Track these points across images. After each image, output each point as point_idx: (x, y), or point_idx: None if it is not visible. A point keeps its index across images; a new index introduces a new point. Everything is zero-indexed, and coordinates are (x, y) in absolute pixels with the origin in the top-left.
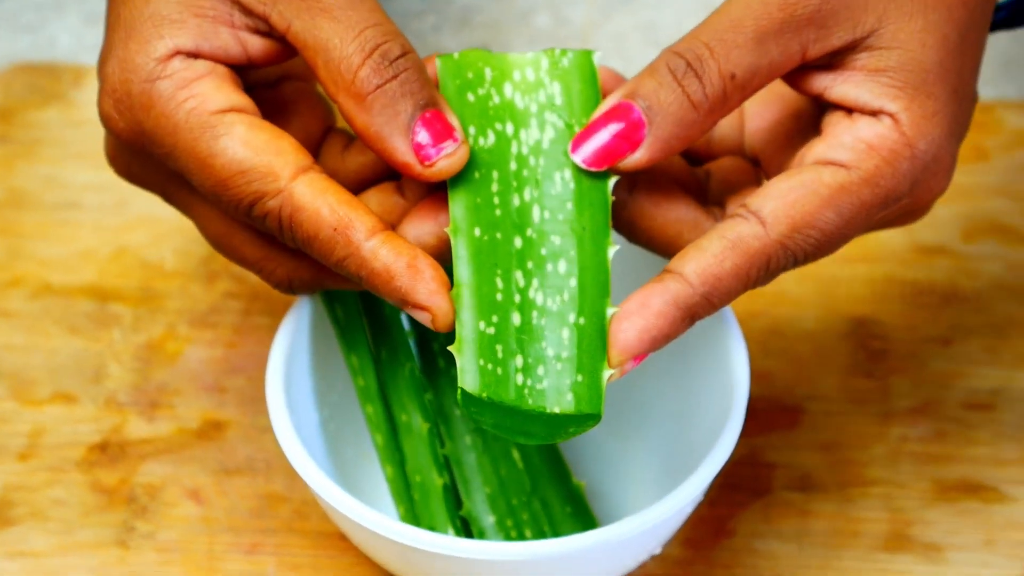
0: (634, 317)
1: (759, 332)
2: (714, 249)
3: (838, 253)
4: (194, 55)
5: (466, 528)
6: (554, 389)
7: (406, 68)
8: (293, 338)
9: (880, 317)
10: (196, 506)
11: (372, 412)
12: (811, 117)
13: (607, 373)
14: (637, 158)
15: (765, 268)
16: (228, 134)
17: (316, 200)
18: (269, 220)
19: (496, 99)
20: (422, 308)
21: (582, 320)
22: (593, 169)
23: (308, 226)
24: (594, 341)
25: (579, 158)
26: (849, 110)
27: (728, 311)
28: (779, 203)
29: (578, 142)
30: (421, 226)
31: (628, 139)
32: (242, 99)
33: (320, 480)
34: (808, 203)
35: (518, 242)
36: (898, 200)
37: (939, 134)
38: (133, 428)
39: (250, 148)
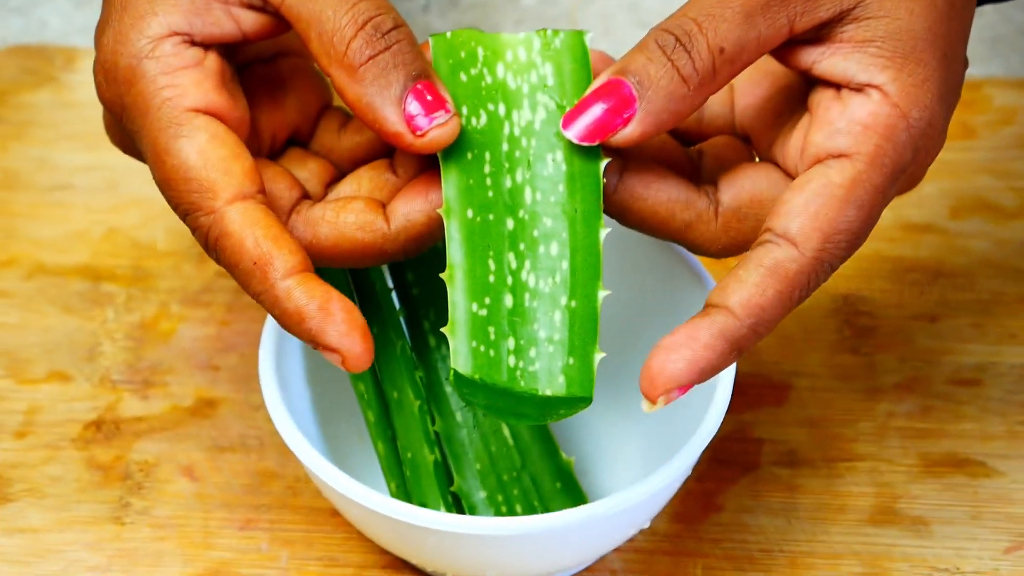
0: (683, 349)
1: None
2: (753, 279)
3: None
4: (187, 38)
5: (457, 504)
6: (546, 371)
7: (398, 40)
8: None
9: (867, 294)
10: (190, 483)
11: (363, 389)
12: (800, 93)
13: (598, 358)
14: (628, 133)
15: (806, 287)
16: (188, 137)
17: (244, 230)
18: (197, 234)
19: (488, 79)
20: (332, 349)
21: (574, 303)
22: (585, 144)
23: (230, 253)
24: (585, 324)
25: (571, 134)
26: (837, 86)
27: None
28: (804, 219)
29: (570, 118)
30: (411, 204)
31: (619, 114)
32: (220, 99)
33: (313, 457)
34: (830, 210)
35: (510, 224)
36: (904, 171)
37: (931, 100)
38: (127, 406)
39: (202, 159)
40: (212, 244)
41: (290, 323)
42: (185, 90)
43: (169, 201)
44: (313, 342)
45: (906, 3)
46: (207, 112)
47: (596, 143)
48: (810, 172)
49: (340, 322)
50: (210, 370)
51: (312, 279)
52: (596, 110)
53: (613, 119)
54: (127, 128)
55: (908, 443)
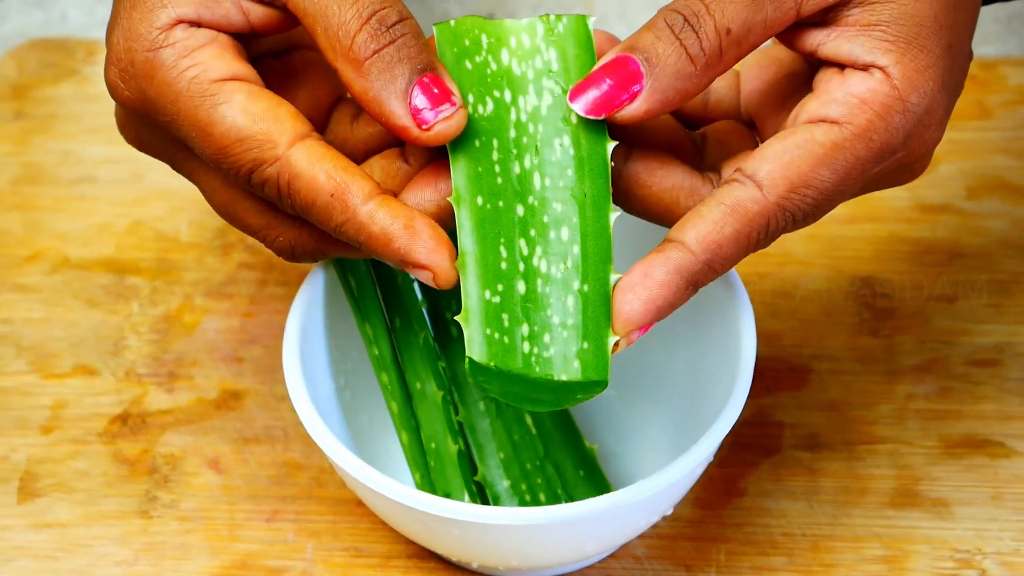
0: (638, 288)
1: (766, 293)
2: (713, 216)
3: (843, 212)
4: (196, 24)
5: (481, 493)
6: (560, 357)
7: (403, 33)
8: (308, 308)
9: (885, 276)
10: (216, 475)
11: (387, 380)
12: (806, 79)
13: (612, 340)
14: (635, 109)
15: (765, 231)
16: (228, 102)
17: (313, 167)
18: (268, 187)
19: (494, 66)
20: (422, 267)
21: (586, 287)
22: (591, 117)
23: (306, 192)
24: (598, 308)
25: (577, 106)
26: (841, 66)
27: (733, 273)
28: (775, 165)
29: (577, 91)
30: (422, 193)
31: (626, 88)
32: (243, 68)
33: (337, 449)
34: (803, 163)
35: (520, 210)
36: (893, 153)
37: (931, 87)
38: (153, 399)
39: (249, 116)
40: (284, 190)
41: (377, 246)
42: (207, 64)
43: (229, 170)
44: (402, 262)
45: None
46: (234, 79)
47: (602, 116)
48: (795, 127)
49: (427, 238)
50: (234, 362)
51: (392, 200)
52: (603, 84)
53: (619, 93)
54: (158, 120)
55: (928, 425)
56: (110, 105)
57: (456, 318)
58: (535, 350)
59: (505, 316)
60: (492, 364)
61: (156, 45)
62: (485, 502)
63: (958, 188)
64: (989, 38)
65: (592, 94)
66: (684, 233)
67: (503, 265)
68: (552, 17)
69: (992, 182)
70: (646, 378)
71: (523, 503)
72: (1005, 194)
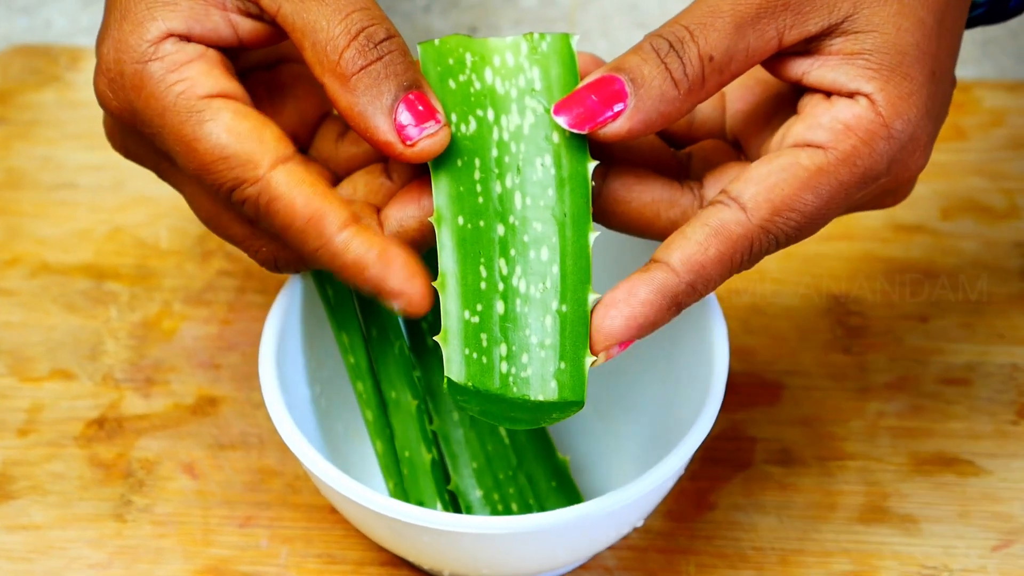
0: (621, 305)
1: (741, 309)
2: (697, 237)
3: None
4: (186, 38)
5: (454, 502)
6: (538, 377)
7: (391, 51)
8: (285, 316)
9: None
10: (191, 480)
11: (362, 389)
12: (791, 100)
13: (590, 360)
14: (617, 127)
15: (748, 252)
16: (213, 119)
17: (292, 191)
18: (247, 206)
19: (477, 85)
20: (395, 295)
21: (564, 307)
22: (575, 131)
23: (283, 215)
24: (576, 328)
25: (561, 119)
26: (827, 93)
27: None
28: (759, 188)
29: (561, 106)
30: (404, 209)
31: (610, 107)
32: (231, 84)
33: (311, 456)
34: (787, 186)
35: (500, 230)
36: (876, 179)
37: (915, 114)
38: (129, 404)
39: (233, 135)
40: (263, 211)
41: (350, 274)
42: (195, 80)
43: (211, 185)
44: (376, 290)
45: (894, 19)
46: (221, 96)
47: (585, 131)
48: (781, 151)
49: (400, 267)
50: (212, 369)
51: (367, 229)
52: (588, 100)
53: (603, 110)
54: (144, 132)
55: (898, 442)
56: (92, 112)
57: (435, 338)
58: (513, 370)
59: (484, 336)
60: (470, 384)
61: (145, 58)
62: (458, 511)
63: (932, 209)
64: (965, 61)
65: (576, 108)
66: (669, 254)
67: (483, 285)
68: (536, 35)
69: (966, 203)
70: (619, 390)
71: (495, 513)
72: (979, 215)
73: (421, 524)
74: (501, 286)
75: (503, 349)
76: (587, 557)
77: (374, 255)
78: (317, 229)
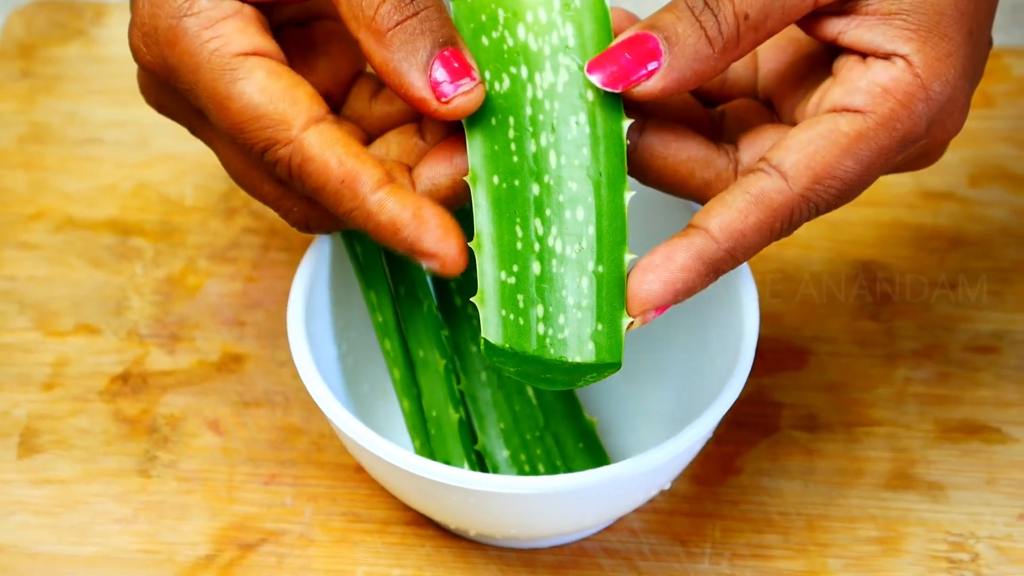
0: (659, 269)
1: (768, 274)
2: (738, 204)
3: None
4: None
5: (480, 462)
6: (575, 338)
7: (426, 6)
8: (313, 274)
9: (887, 261)
10: (216, 437)
11: (390, 347)
12: (824, 60)
13: (626, 321)
14: (651, 86)
15: (788, 221)
16: (247, 78)
17: (325, 152)
18: (279, 167)
19: (510, 41)
20: (430, 256)
21: (600, 268)
22: (608, 89)
23: (316, 177)
24: (613, 289)
25: (595, 78)
26: (863, 54)
27: None
28: (800, 156)
29: (595, 64)
30: (436, 168)
31: (644, 65)
32: (266, 42)
33: (340, 413)
34: (828, 153)
35: (535, 189)
36: (916, 141)
37: (953, 75)
38: (154, 360)
39: (266, 95)
40: (296, 172)
41: (385, 234)
42: (230, 38)
43: (244, 144)
44: (410, 250)
45: None
46: (255, 54)
47: (619, 89)
48: (820, 116)
49: (435, 227)
50: (236, 326)
51: (401, 189)
52: (622, 58)
53: (637, 68)
54: (178, 88)
55: (925, 409)
56: (117, 68)
57: (472, 299)
58: (549, 332)
59: (520, 297)
60: (507, 346)
61: (180, 13)
62: (484, 471)
63: (961, 176)
64: (995, 27)
65: (610, 67)
66: (708, 220)
67: (519, 245)
68: None
69: (994, 171)
70: (648, 353)
71: (522, 473)
72: (1007, 183)
73: (451, 483)
74: (537, 247)
75: (539, 310)
76: (613, 519)
77: (408, 215)
78: (351, 190)
